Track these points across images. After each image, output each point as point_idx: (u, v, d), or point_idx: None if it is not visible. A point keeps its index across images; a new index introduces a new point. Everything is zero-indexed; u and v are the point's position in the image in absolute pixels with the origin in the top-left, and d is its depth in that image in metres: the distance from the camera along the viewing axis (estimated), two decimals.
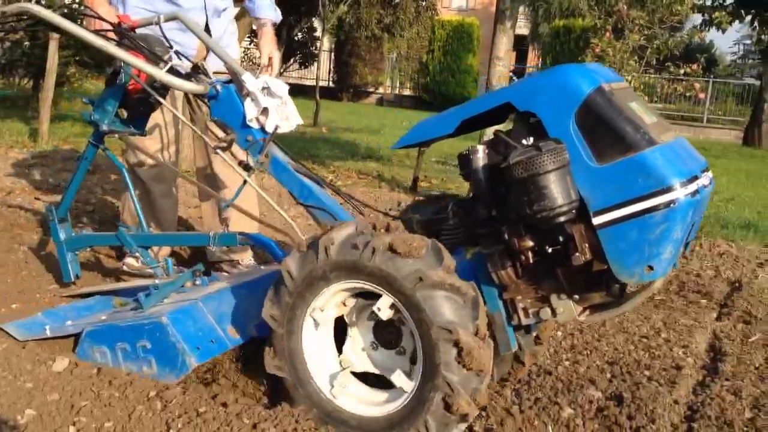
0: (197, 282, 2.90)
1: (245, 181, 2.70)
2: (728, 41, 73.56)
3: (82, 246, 3.22)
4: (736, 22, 16.80)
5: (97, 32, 2.75)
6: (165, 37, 3.01)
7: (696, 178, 2.00)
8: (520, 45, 33.74)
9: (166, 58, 2.77)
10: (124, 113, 3.07)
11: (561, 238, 2.06)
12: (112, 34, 2.83)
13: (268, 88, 2.66)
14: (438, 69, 23.93)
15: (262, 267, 3.18)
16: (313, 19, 21.50)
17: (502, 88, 2.25)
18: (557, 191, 1.96)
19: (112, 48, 2.65)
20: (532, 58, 30.80)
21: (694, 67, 12.63)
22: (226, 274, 3.18)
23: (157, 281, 2.84)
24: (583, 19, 23.03)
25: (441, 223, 2.41)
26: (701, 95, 12.99)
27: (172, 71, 2.73)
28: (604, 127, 2.01)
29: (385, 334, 2.33)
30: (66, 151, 7.19)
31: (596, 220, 2.01)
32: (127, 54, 2.67)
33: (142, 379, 2.44)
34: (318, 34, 24.12)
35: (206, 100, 2.72)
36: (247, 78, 2.66)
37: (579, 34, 21.00)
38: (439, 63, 23.93)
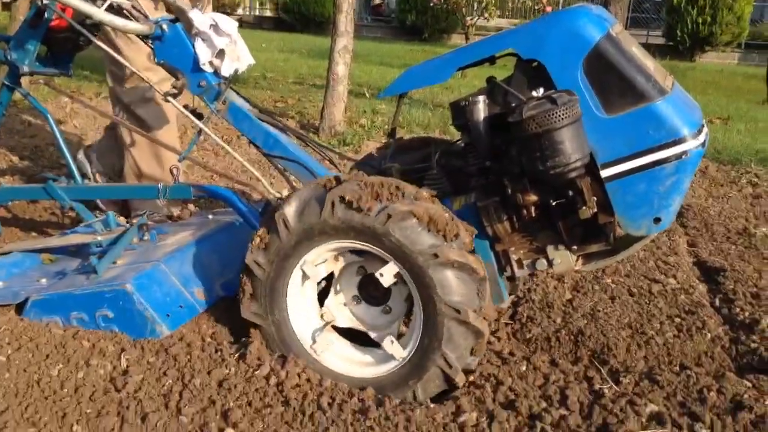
0: (145, 237, 2.68)
1: (200, 131, 2.49)
2: None
3: (3, 200, 2.89)
4: None
5: None
6: None
7: (703, 127, 2.00)
8: None
9: None
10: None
11: (569, 192, 2.01)
12: None
13: (216, 25, 2.43)
14: None
15: (211, 216, 2.95)
16: None
17: (503, 32, 2.13)
18: (572, 147, 1.89)
19: None
20: None
21: None
22: (171, 226, 2.93)
23: (99, 238, 2.60)
24: None
25: (424, 172, 2.31)
26: (548, 8, 13.69)
27: (111, 9, 2.43)
28: (614, 76, 1.95)
29: (371, 290, 2.24)
30: None
31: (604, 173, 1.98)
32: None
33: None
34: None
35: (150, 42, 2.45)
36: (195, 15, 2.41)
37: None
38: None
